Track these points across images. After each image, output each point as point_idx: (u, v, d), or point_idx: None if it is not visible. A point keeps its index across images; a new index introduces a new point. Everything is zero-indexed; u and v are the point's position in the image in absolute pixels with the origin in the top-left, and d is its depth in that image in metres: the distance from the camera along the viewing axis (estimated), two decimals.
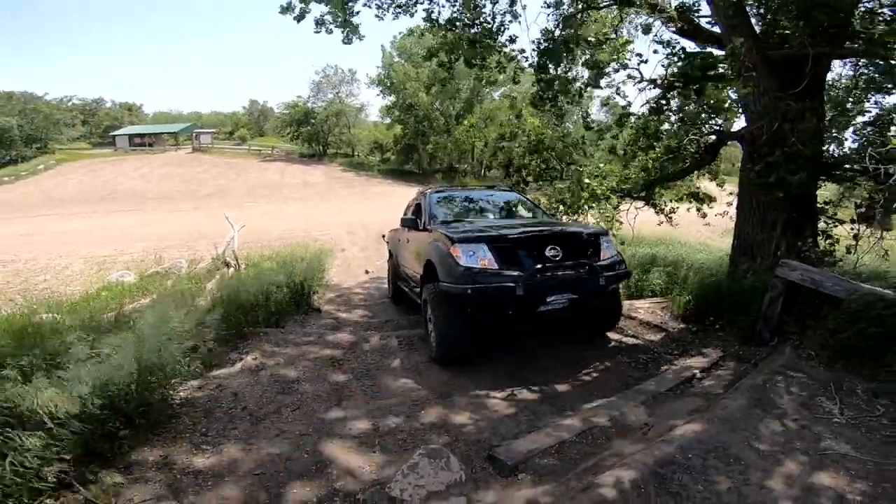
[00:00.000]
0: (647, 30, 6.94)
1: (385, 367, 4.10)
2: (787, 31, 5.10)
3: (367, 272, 9.84)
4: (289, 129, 43.73)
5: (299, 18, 6.75)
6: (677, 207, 7.78)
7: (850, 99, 6.43)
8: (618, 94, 6.49)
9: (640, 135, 6.40)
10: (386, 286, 7.76)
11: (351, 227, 16.26)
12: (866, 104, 6.14)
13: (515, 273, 4.01)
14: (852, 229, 5.67)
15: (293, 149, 44.31)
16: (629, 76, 6.09)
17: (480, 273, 4.01)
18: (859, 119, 6.01)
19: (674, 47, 5.84)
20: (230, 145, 50.52)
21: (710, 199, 7.69)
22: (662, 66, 5.90)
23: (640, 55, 6.11)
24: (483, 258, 4.08)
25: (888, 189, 5.03)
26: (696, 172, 7.45)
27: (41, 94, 51.44)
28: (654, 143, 6.43)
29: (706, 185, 8.23)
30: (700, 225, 7.76)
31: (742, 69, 5.12)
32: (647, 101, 5.95)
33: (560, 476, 2.35)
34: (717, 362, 4.09)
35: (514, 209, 6.14)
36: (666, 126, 6.84)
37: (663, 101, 5.79)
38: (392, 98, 35.70)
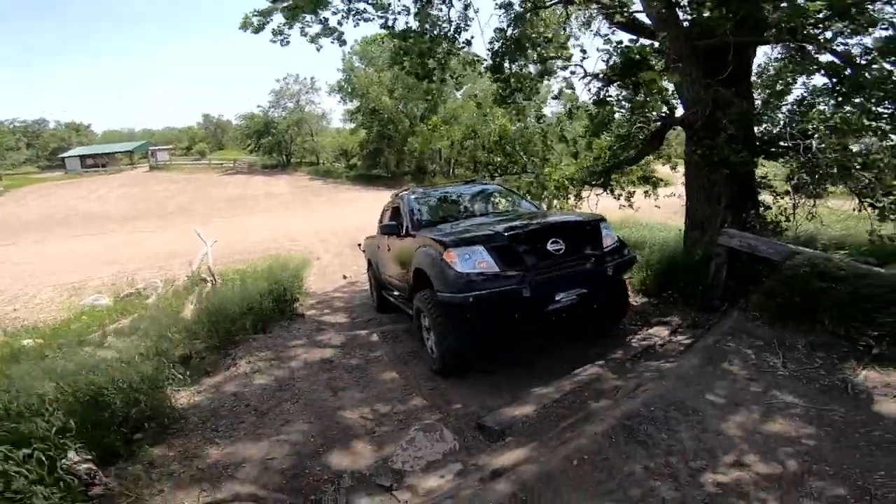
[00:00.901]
0: (587, 24, 7.43)
1: (372, 360, 4.36)
2: (711, 23, 5.49)
3: (344, 277, 9.99)
4: (249, 141, 43.05)
5: (257, 30, 6.83)
6: (634, 192, 8.30)
7: (780, 82, 7.04)
8: (569, 88, 6.90)
9: (588, 125, 6.80)
10: (365, 289, 7.92)
11: (322, 235, 16.29)
12: (793, 86, 6.75)
13: (519, 273, 3.71)
14: (791, 200, 6.27)
15: (255, 160, 43.63)
16: (572, 72, 6.52)
17: (480, 277, 3.69)
18: (790, 99, 6.62)
19: (611, 42, 6.24)
20: (189, 161, 49.26)
21: (662, 181, 8.28)
22: (602, 60, 6.33)
23: (584, 51, 6.55)
24: (481, 261, 3.75)
25: (809, 162, 5.62)
26: (649, 157, 8.00)
27: None
28: (601, 133, 6.83)
29: (663, 169, 8.85)
30: (661, 206, 8.27)
31: (672, 59, 5.61)
32: (591, 94, 6.38)
33: (542, 436, 2.67)
34: (676, 330, 4.52)
35: (499, 203, 5.89)
36: (618, 115, 7.34)
37: (606, 93, 6.21)
38: (355, 103, 35.65)
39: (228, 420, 3.17)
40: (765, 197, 6.47)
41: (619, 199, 8.19)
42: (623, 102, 6.34)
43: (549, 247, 3.89)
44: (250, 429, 3.03)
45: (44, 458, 2.05)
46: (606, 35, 6.98)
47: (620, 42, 6.14)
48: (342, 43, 6.94)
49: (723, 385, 3.02)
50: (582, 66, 6.45)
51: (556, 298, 3.80)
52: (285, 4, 6.73)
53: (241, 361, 4.30)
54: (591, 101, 6.38)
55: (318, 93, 42.98)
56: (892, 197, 5.46)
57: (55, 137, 59.79)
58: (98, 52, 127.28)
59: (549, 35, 6.80)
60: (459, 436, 2.84)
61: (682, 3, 5.76)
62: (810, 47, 5.59)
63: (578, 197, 7.99)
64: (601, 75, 6.22)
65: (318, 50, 7.16)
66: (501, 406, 3.14)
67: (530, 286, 3.63)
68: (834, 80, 5.38)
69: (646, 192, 8.29)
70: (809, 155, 5.37)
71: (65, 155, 51.82)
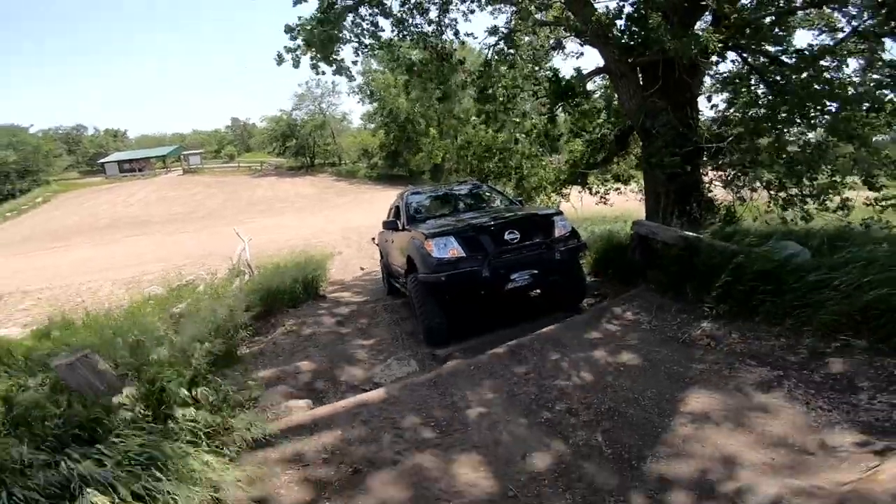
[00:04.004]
0: (559, 46, 8.76)
1: (374, 323, 5.93)
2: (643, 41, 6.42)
3: (361, 269, 11.60)
4: (275, 144, 45.13)
5: (296, 64, 7.79)
6: (609, 189, 9.58)
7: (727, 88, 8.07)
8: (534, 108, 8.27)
9: (543, 140, 8.11)
10: (378, 279, 9.46)
11: (345, 233, 17.97)
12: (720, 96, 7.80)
13: (480, 257, 4.60)
14: (731, 194, 7.48)
15: (281, 162, 45.67)
16: (534, 94, 7.88)
17: (450, 261, 4.58)
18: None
19: (550, 75, 7.55)
20: (219, 164, 51.55)
21: (631, 179, 9.52)
22: (544, 89, 7.65)
23: (536, 80, 7.89)
24: (452, 248, 4.64)
25: (732, 164, 6.83)
26: (618, 160, 9.26)
27: (26, 126, 51.96)
28: (557, 145, 8.10)
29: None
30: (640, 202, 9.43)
31: (614, 76, 6.86)
32: (543, 113, 7.73)
33: (469, 358, 4.15)
34: (602, 299, 5.89)
35: (482, 201, 6.80)
36: (598, 122, 8.62)
37: (554, 113, 7.55)
38: (374, 105, 37.16)
39: (269, 358, 4.77)
40: (718, 192, 7.68)
41: (595, 195, 9.55)
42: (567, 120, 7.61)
43: (507, 236, 4.79)
44: (285, 361, 4.62)
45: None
46: (573, 53, 8.38)
47: (556, 73, 7.46)
48: (351, 79, 8.36)
49: (594, 332, 4.37)
50: (535, 93, 7.80)
51: (512, 278, 4.71)
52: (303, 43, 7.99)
53: (278, 326, 5.94)
54: (545, 118, 7.71)
55: (339, 94, 44.65)
56: (793, 190, 6.66)
57: (93, 143, 62.80)
58: (126, 57, 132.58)
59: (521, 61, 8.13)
60: (420, 363, 4.36)
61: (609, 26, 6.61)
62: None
63: (560, 194, 9.35)
64: (548, 96, 7.55)
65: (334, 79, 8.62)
66: (451, 346, 4.63)
67: (488, 268, 4.57)
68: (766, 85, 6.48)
69: (617, 190, 9.55)
70: (720, 156, 6.59)
71: (104, 160, 54.48)
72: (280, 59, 7.75)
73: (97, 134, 65.55)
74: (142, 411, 2.27)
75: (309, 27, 7.21)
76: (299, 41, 7.48)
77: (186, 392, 2.58)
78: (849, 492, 2.04)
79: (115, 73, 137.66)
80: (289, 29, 7.52)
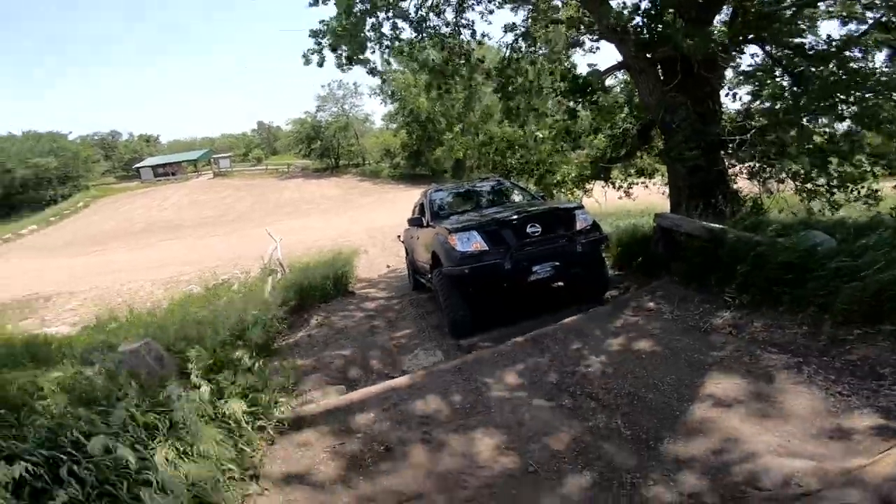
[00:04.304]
0: (577, 44, 8.81)
1: (401, 317, 6.16)
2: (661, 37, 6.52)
3: (387, 266, 11.87)
4: (300, 146, 46.01)
5: (321, 64, 8.00)
6: (634, 183, 9.57)
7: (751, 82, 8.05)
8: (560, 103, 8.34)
9: (564, 136, 8.17)
10: (403, 276, 9.69)
11: (370, 233, 18.34)
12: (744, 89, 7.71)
13: (503, 251, 4.74)
14: (758, 186, 7.43)
15: (307, 164, 46.54)
16: (553, 91, 7.96)
17: (474, 255, 4.74)
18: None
19: (569, 72, 7.61)
20: (248, 167, 52.73)
21: (655, 173, 9.48)
22: (560, 84, 7.70)
23: (552, 74, 7.95)
24: (475, 242, 4.78)
25: (757, 157, 6.78)
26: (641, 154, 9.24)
27: (66, 133, 53.42)
28: (578, 141, 8.15)
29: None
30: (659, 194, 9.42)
31: (634, 71, 6.90)
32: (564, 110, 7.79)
33: (492, 347, 4.31)
34: (625, 291, 5.96)
35: (504, 196, 6.91)
36: (621, 116, 8.64)
37: (575, 109, 7.60)
38: (395, 105, 37.55)
39: (304, 350, 5.05)
40: (745, 184, 7.63)
41: (618, 190, 9.56)
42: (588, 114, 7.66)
43: (528, 230, 4.91)
44: (319, 351, 4.89)
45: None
46: (591, 49, 8.43)
47: (572, 70, 7.51)
48: (380, 76, 8.58)
49: (616, 322, 4.47)
50: (554, 89, 7.88)
51: (534, 270, 4.83)
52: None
53: (311, 320, 6.23)
54: (565, 115, 7.78)
55: (361, 96, 45.16)
56: (821, 180, 6.57)
57: (128, 149, 64.04)
58: (154, 62, 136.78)
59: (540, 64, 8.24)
60: (445, 353, 4.55)
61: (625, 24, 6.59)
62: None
63: (582, 189, 9.40)
64: (567, 93, 7.61)
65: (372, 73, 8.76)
66: (475, 337, 4.80)
67: (510, 260, 4.71)
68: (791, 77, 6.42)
69: (643, 184, 9.54)
70: (744, 148, 6.56)
71: (139, 165, 55.86)
72: (306, 60, 7.98)
73: (131, 139, 67.41)
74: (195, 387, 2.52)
75: (335, 31, 7.44)
76: (325, 41, 7.71)
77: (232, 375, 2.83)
78: (855, 473, 2.11)
79: (146, 79, 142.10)
80: (313, 33, 7.78)
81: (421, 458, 2.79)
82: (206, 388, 2.54)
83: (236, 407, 2.54)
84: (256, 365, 3.27)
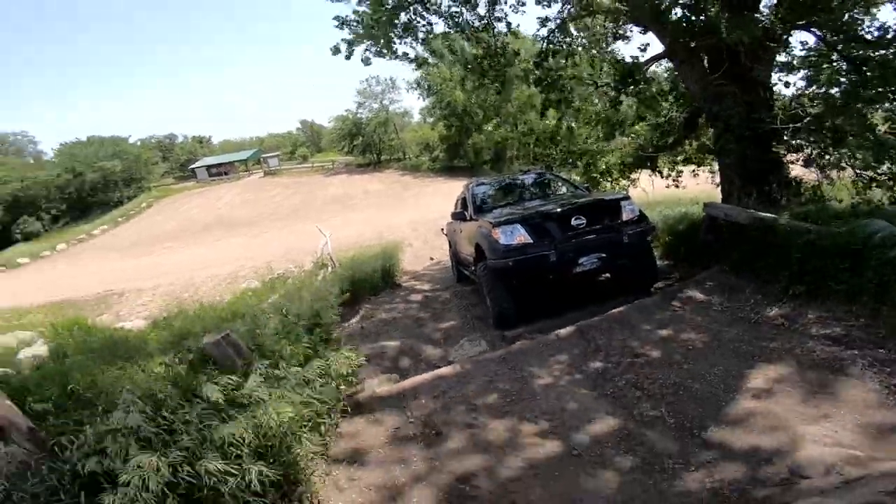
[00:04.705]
0: (618, 36, 8.64)
1: (446, 309, 6.39)
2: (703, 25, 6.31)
3: (431, 259, 12.15)
4: (343, 143, 47.07)
5: (348, 56, 8.05)
6: (682, 171, 9.35)
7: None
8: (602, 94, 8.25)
9: (603, 123, 8.06)
10: (447, 268, 9.92)
11: (413, 226, 18.70)
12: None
13: (547, 243, 4.79)
14: (814, 173, 7.13)
15: (350, 160, 47.60)
16: (594, 83, 7.88)
17: (518, 247, 4.79)
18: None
19: (610, 62, 7.48)
20: (294, 165, 54.36)
21: (705, 161, 9.22)
22: (608, 74, 7.58)
23: (592, 65, 7.85)
24: (519, 235, 4.83)
25: (812, 144, 6.51)
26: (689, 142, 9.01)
27: (126, 136, 56.24)
28: (618, 127, 8.05)
29: None
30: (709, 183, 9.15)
31: (677, 61, 6.74)
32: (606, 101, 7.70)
33: (537, 337, 4.45)
34: (674, 282, 5.90)
35: (547, 188, 6.90)
36: (667, 104, 8.46)
37: (618, 99, 7.50)
38: (431, 99, 37.74)
39: (357, 340, 5.36)
40: (804, 172, 7.32)
41: (666, 179, 9.37)
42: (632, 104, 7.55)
43: (573, 222, 4.93)
44: (371, 341, 5.19)
45: None
46: (633, 37, 8.26)
47: (621, 60, 7.39)
48: (420, 63, 8.73)
49: (663, 313, 4.49)
50: (594, 80, 7.80)
51: (580, 262, 4.86)
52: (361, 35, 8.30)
53: (361, 312, 6.57)
54: (608, 105, 7.69)
55: (398, 91, 45.55)
56: (883, 167, 6.23)
57: (184, 150, 66.09)
58: (204, 65, 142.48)
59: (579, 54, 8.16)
60: (490, 344, 4.72)
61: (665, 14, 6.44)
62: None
63: (627, 179, 9.27)
64: (612, 85, 7.52)
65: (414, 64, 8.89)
66: (520, 328, 4.94)
67: (556, 252, 4.77)
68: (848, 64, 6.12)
69: (693, 172, 9.30)
70: (800, 135, 6.31)
71: (194, 166, 57.72)
72: (336, 50, 8.02)
73: (186, 141, 70.59)
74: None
75: (367, 22, 7.54)
76: (354, 32, 7.80)
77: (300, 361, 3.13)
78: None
79: (195, 81, 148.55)
80: (340, 22, 7.78)
81: (469, 441, 2.98)
82: (289, 374, 2.85)
83: (309, 392, 2.82)
84: (324, 354, 3.57)
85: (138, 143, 58.51)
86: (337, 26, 7.82)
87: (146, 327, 8.68)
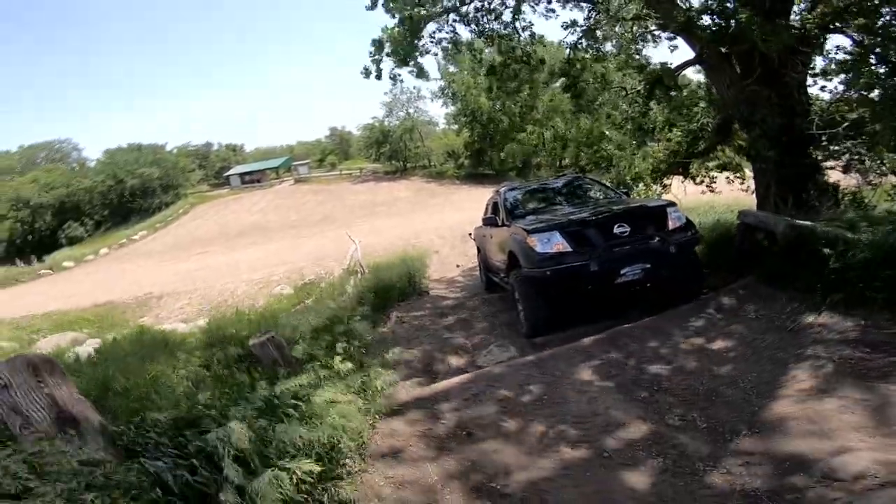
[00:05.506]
0: (650, 37, 8.62)
1: (475, 315, 6.48)
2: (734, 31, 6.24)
3: (457, 266, 12.25)
4: (371, 151, 47.84)
5: (378, 76, 8.61)
6: (716, 178, 9.21)
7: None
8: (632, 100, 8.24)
9: (634, 133, 8.03)
10: (474, 274, 9.95)
11: (440, 232, 18.84)
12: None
13: (588, 252, 4.58)
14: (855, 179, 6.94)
15: (377, 167, 48.32)
16: (622, 89, 7.88)
17: (555, 256, 4.59)
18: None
19: (644, 66, 7.47)
20: (324, 172, 55.44)
21: (739, 167, 9.07)
22: (637, 80, 7.57)
23: (621, 71, 7.85)
24: (557, 243, 4.63)
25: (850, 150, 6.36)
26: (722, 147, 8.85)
27: (163, 144, 58.87)
28: (648, 134, 8.01)
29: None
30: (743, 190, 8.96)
31: (708, 67, 6.69)
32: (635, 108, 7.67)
33: (568, 344, 4.49)
34: (708, 291, 5.82)
35: (583, 194, 6.62)
36: (699, 109, 8.37)
37: (648, 104, 7.47)
38: (456, 106, 38.04)
39: (390, 346, 5.49)
40: (838, 177, 7.13)
41: (700, 185, 9.25)
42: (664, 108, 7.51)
43: (616, 230, 4.74)
44: (404, 347, 5.32)
45: None
46: (663, 43, 8.24)
47: (647, 64, 7.37)
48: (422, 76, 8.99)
49: (697, 321, 4.47)
50: (623, 87, 7.80)
51: (622, 272, 4.63)
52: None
53: (391, 318, 6.73)
54: (637, 112, 7.68)
55: (424, 100, 46.08)
56: None
57: (218, 158, 68.27)
58: (234, 73, 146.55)
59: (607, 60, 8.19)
60: (519, 350, 4.78)
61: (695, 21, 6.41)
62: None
63: (661, 184, 9.18)
64: (640, 90, 7.51)
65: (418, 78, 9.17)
66: (550, 335, 4.99)
67: (597, 262, 4.54)
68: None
69: (727, 178, 9.14)
70: (837, 141, 6.17)
71: (228, 173, 59.65)
72: (366, 73, 8.56)
73: (220, 149, 72.80)
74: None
75: (395, 37, 7.84)
76: (386, 49, 8.15)
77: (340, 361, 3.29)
78: None
79: (228, 90, 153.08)
80: (375, 44, 8.22)
81: (500, 443, 3.06)
82: (337, 371, 3.02)
83: (352, 396, 2.98)
84: (363, 357, 3.73)
85: (174, 150, 60.70)
86: (372, 52, 8.17)
87: (197, 330, 8.92)
